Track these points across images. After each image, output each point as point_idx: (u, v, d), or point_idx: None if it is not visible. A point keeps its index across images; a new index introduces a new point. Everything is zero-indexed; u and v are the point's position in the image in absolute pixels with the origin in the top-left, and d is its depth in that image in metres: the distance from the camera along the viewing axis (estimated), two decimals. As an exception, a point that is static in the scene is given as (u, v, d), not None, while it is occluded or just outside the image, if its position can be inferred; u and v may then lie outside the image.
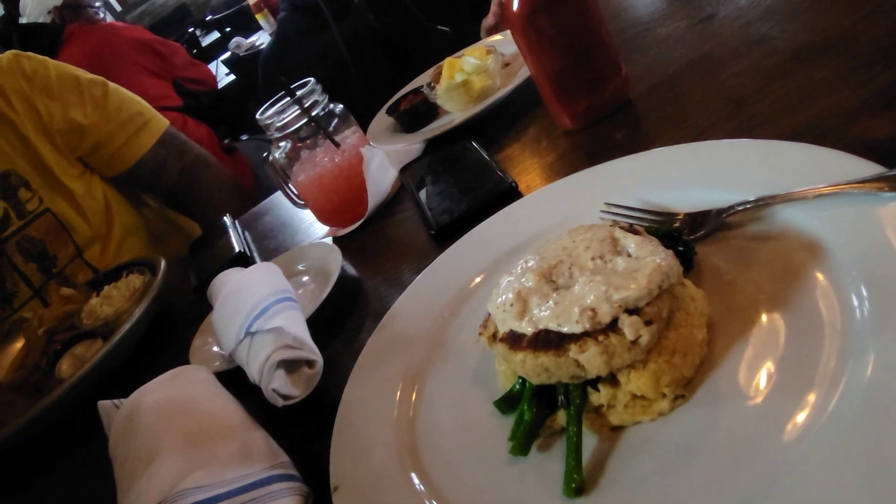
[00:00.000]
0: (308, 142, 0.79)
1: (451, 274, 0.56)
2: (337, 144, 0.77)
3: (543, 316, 0.37)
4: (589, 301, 0.36)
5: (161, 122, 1.27)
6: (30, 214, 1.13)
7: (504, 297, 0.41)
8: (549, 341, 0.36)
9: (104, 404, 0.61)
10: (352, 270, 0.73)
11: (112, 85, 1.24)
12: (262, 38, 2.83)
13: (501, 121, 0.83)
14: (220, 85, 2.46)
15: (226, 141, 2.30)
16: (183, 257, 1.04)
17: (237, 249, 0.89)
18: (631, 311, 0.35)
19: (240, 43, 2.79)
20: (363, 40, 1.18)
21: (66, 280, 1.17)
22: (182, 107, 2.18)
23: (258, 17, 2.61)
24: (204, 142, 2.08)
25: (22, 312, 1.13)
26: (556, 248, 0.42)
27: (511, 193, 0.65)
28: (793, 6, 0.67)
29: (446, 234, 0.66)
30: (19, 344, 0.97)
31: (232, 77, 2.50)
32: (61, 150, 1.16)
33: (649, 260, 0.37)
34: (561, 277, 0.40)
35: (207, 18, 4.27)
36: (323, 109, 0.76)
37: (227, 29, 4.05)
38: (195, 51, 3.69)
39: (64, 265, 1.17)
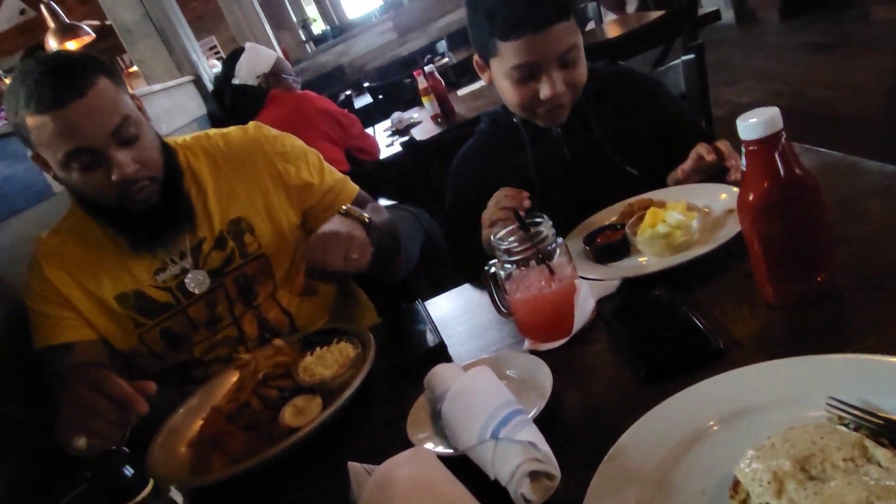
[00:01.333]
0: (524, 264, 0.92)
1: (672, 421, 0.65)
2: (552, 273, 0.90)
3: (803, 501, 0.46)
4: (850, 501, 0.44)
5: (354, 187, 1.49)
6: (249, 256, 1.33)
7: (758, 472, 0.50)
8: (810, 525, 0.45)
9: (355, 467, 0.74)
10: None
11: (321, 157, 1.47)
12: (420, 116, 3.10)
13: (697, 274, 0.93)
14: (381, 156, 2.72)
15: (378, 207, 2.53)
16: (371, 327, 1.18)
17: (436, 341, 1.02)
18: (889, 519, 0.43)
19: (401, 118, 3.07)
20: (553, 168, 1.29)
21: (259, 313, 1.35)
22: (348, 172, 2.43)
23: (424, 99, 2.88)
24: (361, 206, 2.29)
25: (223, 344, 1.32)
26: (805, 438, 0.51)
27: (717, 355, 0.74)
28: None
29: (654, 378, 0.75)
30: (233, 378, 1.13)
31: (392, 150, 2.75)
32: (293, 203, 1.38)
33: (906, 478, 0.45)
34: (814, 469, 0.49)
35: (365, 85, 4.69)
36: (550, 245, 0.89)
37: (380, 97, 4.43)
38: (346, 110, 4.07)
39: (261, 301, 1.35)
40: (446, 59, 4.76)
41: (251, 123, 1.42)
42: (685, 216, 0.97)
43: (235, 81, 2.37)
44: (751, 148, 0.73)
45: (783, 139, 0.72)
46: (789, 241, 0.75)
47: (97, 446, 0.85)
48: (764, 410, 0.62)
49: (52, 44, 4.56)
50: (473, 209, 1.35)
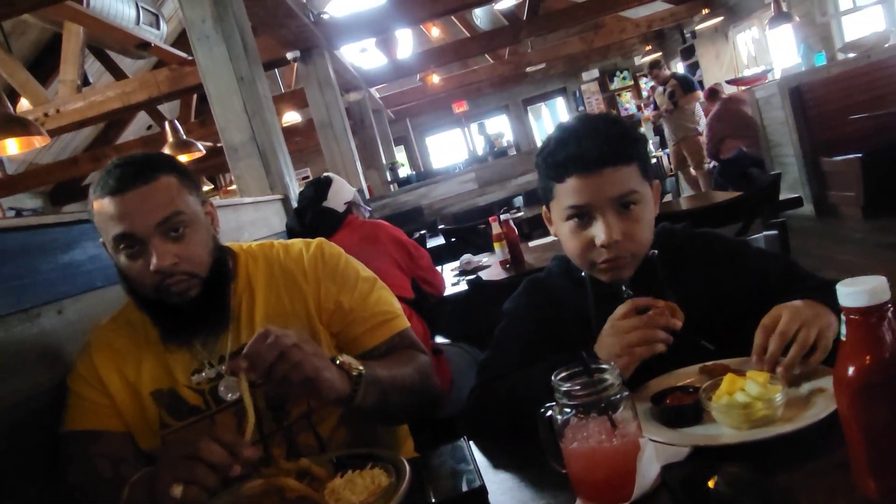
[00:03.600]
0: (585, 413, 0.84)
1: None
2: (615, 427, 0.82)
3: None
4: None
5: (403, 322, 1.40)
6: None
7: None
8: None
9: None
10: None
11: (380, 283, 1.42)
12: (490, 260, 3.14)
13: (779, 455, 0.82)
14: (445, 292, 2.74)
15: (433, 341, 2.50)
16: (409, 459, 1.09)
17: (477, 484, 0.93)
18: None
19: (470, 260, 3.11)
20: None
21: (289, 434, 1.27)
22: (411, 300, 2.44)
23: (496, 244, 2.92)
24: (419, 337, 2.25)
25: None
26: None
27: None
28: None
29: (728, 568, 0.64)
30: (256, 483, 1.04)
31: (456, 289, 2.76)
32: (324, 323, 1.33)
33: None
34: None
35: (440, 227, 4.86)
36: (615, 395, 0.82)
37: (453, 239, 4.55)
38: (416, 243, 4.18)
39: (292, 421, 1.28)
40: (521, 213, 4.90)
41: (318, 240, 1.42)
42: (767, 388, 0.89)
43: (327, 205, 2.52)
44: (853, 317, 0.67)
45: (890, 312, 0.66)
46: (894, 427, 0.66)
47: (193, 495, 0.90)
48: None
49: (166, 154, 5.04)
50: (522, 342, 1.27)
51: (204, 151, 5.40)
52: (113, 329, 1.29)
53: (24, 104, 5.89)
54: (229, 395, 1.24)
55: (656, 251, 1.22)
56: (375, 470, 0.99)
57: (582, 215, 1.17)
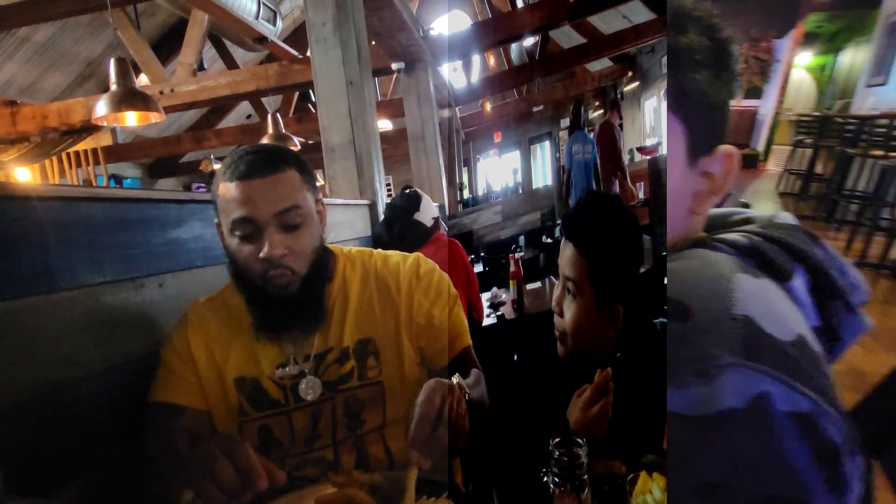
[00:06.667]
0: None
1: None
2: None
3: None
4: None
5: (469, 338, 1.41)
6: (367, 380, 1.28)
7: None
8: None
9: None
10: None
11: (459, 302, 1.42)
12: (506, 297, 3.10)
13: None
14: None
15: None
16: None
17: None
18: None
19: (496, 294, 3.07)
20: None
21: (361, 444, 1.29)
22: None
23: (511, 283, 2.90)
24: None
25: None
26: None
27: None
28: None
29: None
30: (328, 489, 1.04)
31: (493, 319, 2.76)
32: (412, 338, 1.33)
33: None
34: None
35: (481, 255, 4.82)
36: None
37: (487, 269, 4.46)
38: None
39: (366, 431, 1.29)
40: (521, 253, 4.70)
41: (416, 254, 1.43)
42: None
43: (417, 217, 2.56)
44: None
45: None
46: None
47: None
48: None
49: (263, 145, 5.25)
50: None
51: (299, 146, 5.58)
52: (210, 308, 1.32)
53: (142, 80, 6.28)
54: (309, 394, 1.25)
55: None
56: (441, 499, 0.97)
57: None
